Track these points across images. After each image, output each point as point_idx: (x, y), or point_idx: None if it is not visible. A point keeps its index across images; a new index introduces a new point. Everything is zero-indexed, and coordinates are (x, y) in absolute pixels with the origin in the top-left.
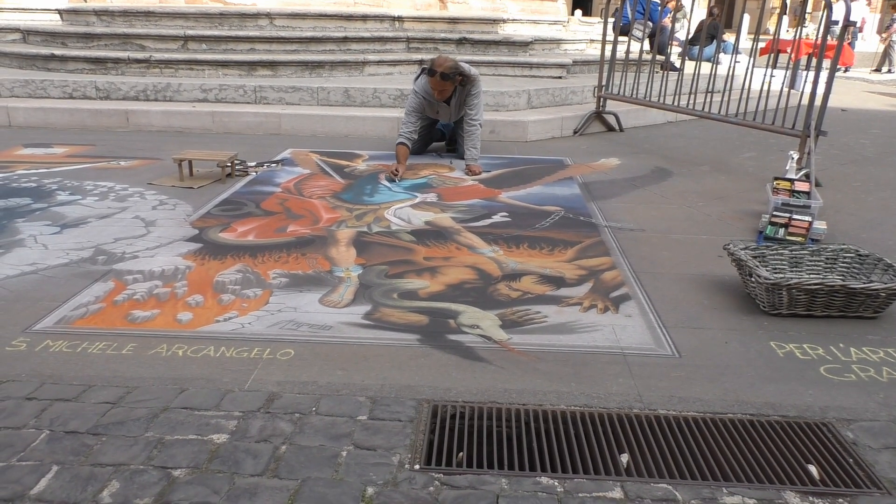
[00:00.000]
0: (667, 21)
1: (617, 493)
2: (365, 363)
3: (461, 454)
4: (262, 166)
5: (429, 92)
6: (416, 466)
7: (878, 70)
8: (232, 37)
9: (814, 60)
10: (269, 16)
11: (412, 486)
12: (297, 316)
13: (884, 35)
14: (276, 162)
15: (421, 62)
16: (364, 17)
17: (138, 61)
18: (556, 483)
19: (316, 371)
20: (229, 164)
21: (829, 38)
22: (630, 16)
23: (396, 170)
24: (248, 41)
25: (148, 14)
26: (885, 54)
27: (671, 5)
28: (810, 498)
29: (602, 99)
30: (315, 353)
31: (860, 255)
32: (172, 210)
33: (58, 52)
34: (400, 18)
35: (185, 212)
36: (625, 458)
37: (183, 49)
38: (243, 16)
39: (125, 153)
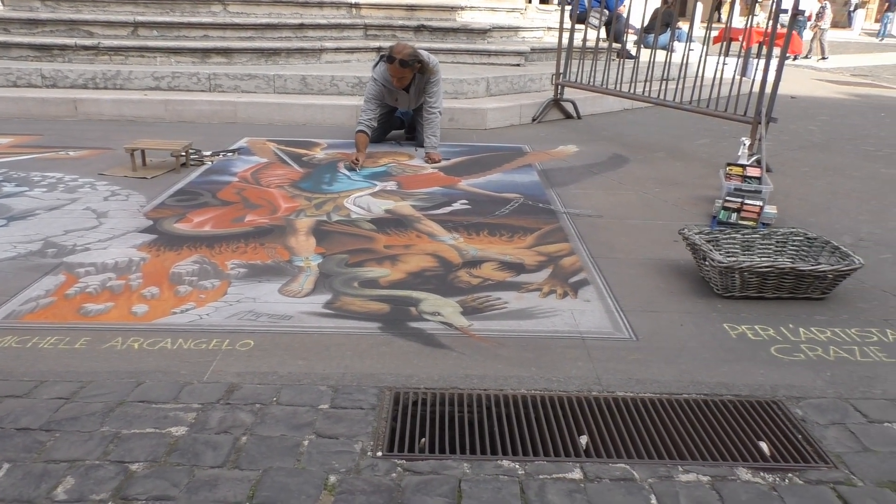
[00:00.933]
0: (622, 9)
1: (576, 474)
2: (326, 352)
3: (423, 440)
4: (218, 155)
5: (388, 79)
6: (379, 453)
7: (806, 57)
8: (184, 23)
9: (764, 49)
10: (222, 2)
11: (375, 473)
12: (257, 306)
13: (813, 24)
14: (233, 151)
15: (379, 49)
16: (321, 4)
17: (86, 48)
18: (518, 466)
19: (276, 361)
20: (184, 154)
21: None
22: (587, 4)
23: (357, 158)
24: (201, 28)
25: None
26: (818, 42)
27: None
28: (761, 474)
29: (560, 86)
30: (275, 343)
31: (808, 239)
32: (125, 201)
33: (0, 38)
34: (357, 5)
35: (138, 202)
36: (584, 439)
37: (133, 35)
38: (196, 2)
39: (74, 143)
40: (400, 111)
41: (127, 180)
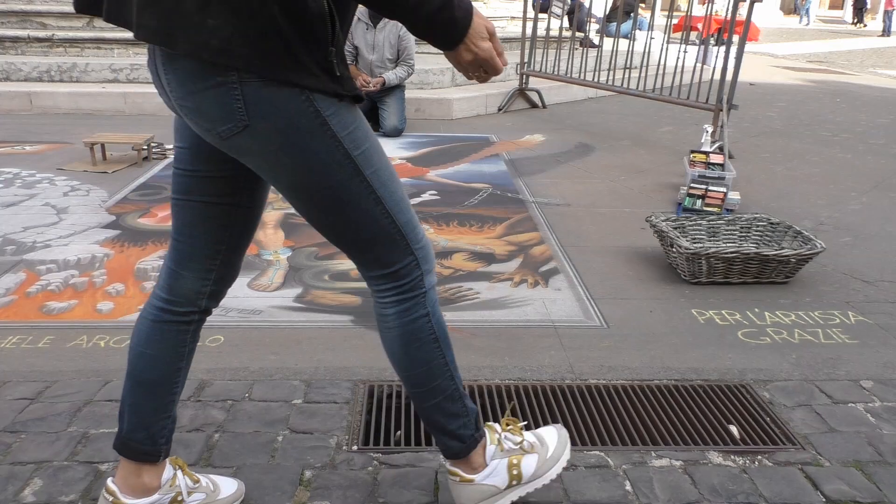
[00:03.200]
0: None
1: None
2: (298, 346)
3: (399, 433)
4: None
5: (364, 12)
6: (354, 447)
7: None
8: None
9: (724, 36)
10: None
11: (351, 467)
12: (226, 301)
13: None
14: None
15: None
16: None
17: (40, 40)
18: None
19: (247, 356)
20: (146, 147)
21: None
22: None
23: (365, 81)
24: None
25: None
26: None
27: None
28: (732, 456)
29: (525, 76)
30: (245, 338)
31: (772, 224)
32: (86, 196)
33: None
34: None
35: (99, 198)
36: None
37: (89, 27)
38: None
39: (30, 137)
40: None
41: (87, 175)
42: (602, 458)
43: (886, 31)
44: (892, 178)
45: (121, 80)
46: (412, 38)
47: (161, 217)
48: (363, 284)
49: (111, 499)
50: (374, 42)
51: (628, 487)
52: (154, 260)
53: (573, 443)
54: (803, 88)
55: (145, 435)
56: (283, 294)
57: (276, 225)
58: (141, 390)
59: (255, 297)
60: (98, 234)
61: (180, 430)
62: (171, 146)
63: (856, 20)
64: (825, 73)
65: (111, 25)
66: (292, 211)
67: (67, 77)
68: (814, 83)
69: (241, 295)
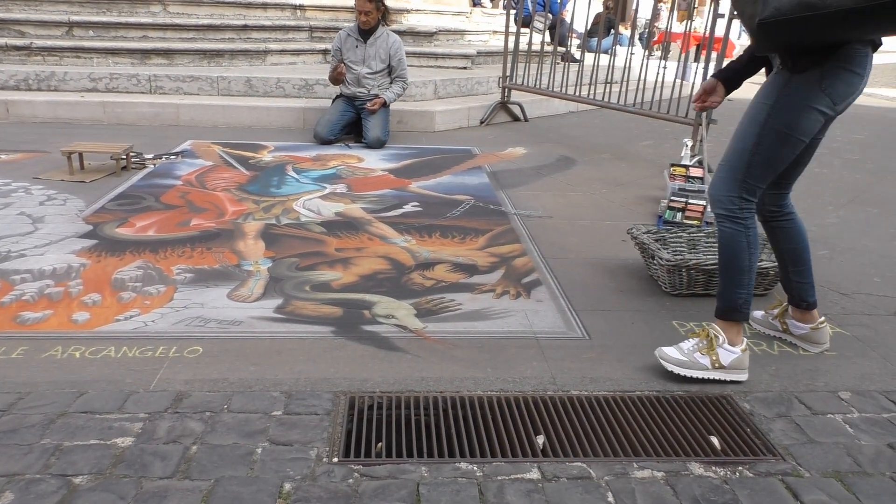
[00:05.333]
0: (565, 13)
1: (534, 474)
2: (278, 357)
3: (380, 444)
4: (161, 158)
5: (354, 29)
6: (335, 459)
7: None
8: (122, 23)
9: (702, 52)
10: (162, 2)
11: (331, 480)
12: (205, 312)
13: None
14: (176, 154)
15: (325, 52)
16: (265, 5)
17: (17, 48)
18: (476, 468)
19: (226, 368)
20: (124, 157)
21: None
22: (531, 8)
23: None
24: (139, 28)
25: None
26: None
27: None
28: (713, 468)
29: (507, 89)
30: (225, 349)
31: None
32: (63, 205)
33: None
34: (302, 7)
35: (76, 207)
36: (541, 439)
37: (68, 36)
38: (134, 2)
39: (6, 146)
40: (357, 104)
41: (64, 184)
42: (584, 469)
43: None
44: (868, 192)
45: (100, 90)
46: (404, 52)
47: (139, 227)
48: (344, 295)
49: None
50: (365, 55)
51: (610, 499)
52: (132, 270)
53: (555, 454)
54: None
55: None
56: (263, 305)
57: (256, 235)
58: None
59: (234, 308)
60: (74, 244)
61: (157, 441)
62: (150, 156)
63: None
64: None
65: (91, 34)
66: (272, 221)
67: (45, 86)
68: None
69: (220, 306)
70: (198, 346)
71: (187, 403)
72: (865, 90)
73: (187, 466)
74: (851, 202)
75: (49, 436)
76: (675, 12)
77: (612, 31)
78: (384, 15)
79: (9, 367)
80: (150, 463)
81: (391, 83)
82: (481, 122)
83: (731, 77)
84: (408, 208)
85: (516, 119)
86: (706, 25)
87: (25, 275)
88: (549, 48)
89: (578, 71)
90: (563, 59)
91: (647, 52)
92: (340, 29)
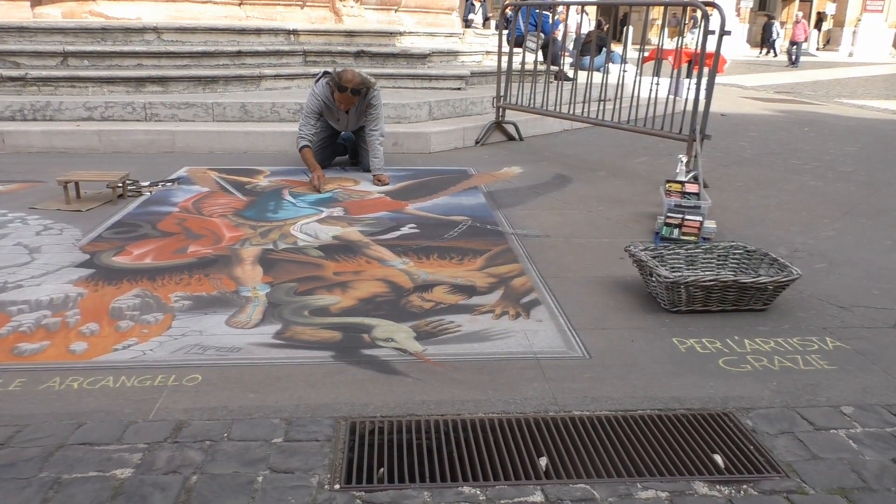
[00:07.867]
0: (557, 33)
1: (538, 497)
2: (278, 384)
3: (382, 470)
4: (157, 186)
5: (330, 98)
6: (337, 486)
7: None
8: (116, 52)
9: (695, 69)
10: (156, 30)
11: None
12: (203, 339)
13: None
14: (172, 181)
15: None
16: (258, 31)
17: (13, 79)
18: (479, 492)
19: (226, 395)
20: (121, 185)
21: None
22: (523, 28)
23: (318, 177)
24: (134, 56)
25: (21, 29)
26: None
27: (561, 17)
28: (717, 486)
29: (501, 109)
30: (224, 376)
31: (748, 251)
32: (59, 235)
33: None
34: (295, 32)
35: (73, 236)
36: (543, 461)
37: (63, 66)
38: (128, 30)
39: (2, 176)
40: (343, 136)
41: (60, 214)
42: (588, 490)
43: (794, 62)
44: (862, 204)
45: (95, 118)
46: (382, 108)
47: (137, 255)
48: (343, 319)
49: None
50: (348, 122)
51: None
52: (129, 298)
53: (558, 475)
54: (772, 118)
55: None
56: (261, 331)
57: (253, 261)
58: None
59: (233, 335)
60: (71, 274)
61: (156, 472)
62: (146, 183)
63: (766, 50)
64: (793, 104)
65: (86, 63)
66: (270, 246)
67: (41, 116)
68: (782, 113)
69: (218, 332)
70: (197, 374)
71: (187, 432)
72: (857, 102)
73: (187, 497)
74: (846, 214)
75: (47, 469)
76: (667, 29)
77: (605, 49)
78: (367, 92)
79: (6, 399)
80: (150, 494)
81: (369, 146)
82: (476, 143)
83: None
84: (405, 230)
85: (511, 138)
86: (696, 42)
87: (22, 305)
88: (542, 67)
89: (572, 89)
90: (556, 78)
91: (638, 69)
92: (325, 78)
